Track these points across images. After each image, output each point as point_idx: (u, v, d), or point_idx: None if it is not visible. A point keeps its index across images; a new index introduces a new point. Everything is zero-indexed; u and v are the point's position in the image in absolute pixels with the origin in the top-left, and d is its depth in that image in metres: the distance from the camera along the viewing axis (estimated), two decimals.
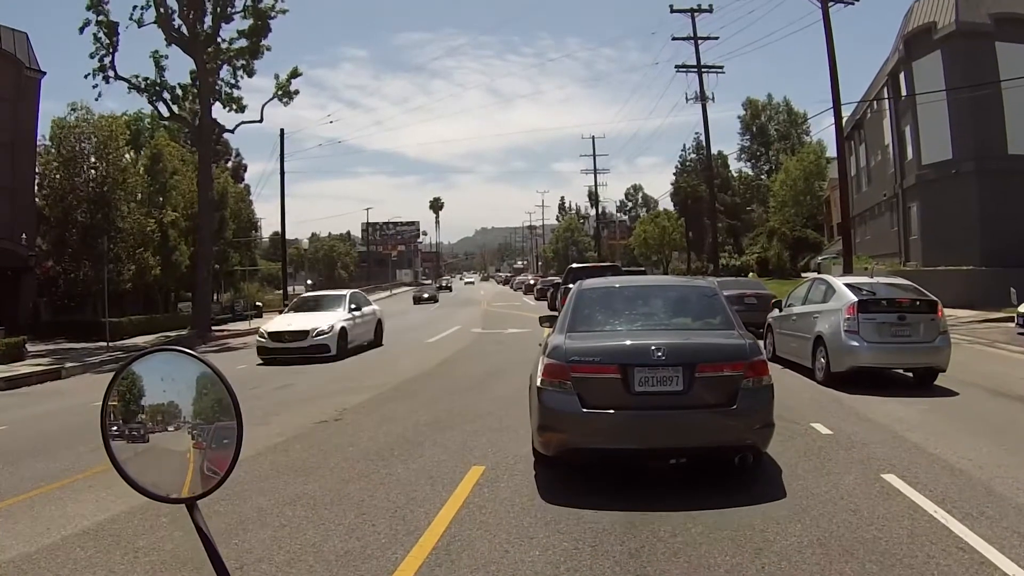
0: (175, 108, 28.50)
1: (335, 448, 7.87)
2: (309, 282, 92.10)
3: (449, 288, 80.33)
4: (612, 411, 5.85)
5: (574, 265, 29.15)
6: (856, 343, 10.80)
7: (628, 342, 6.30)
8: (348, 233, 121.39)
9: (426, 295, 54.60)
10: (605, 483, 6.10)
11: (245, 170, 56.11)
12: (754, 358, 6.05)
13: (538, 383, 6.12)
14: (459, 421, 9.06)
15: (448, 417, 9.35)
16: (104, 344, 22.81)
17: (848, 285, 11.82)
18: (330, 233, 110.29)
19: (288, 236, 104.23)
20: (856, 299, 11.10)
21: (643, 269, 42.67)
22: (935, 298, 11.39)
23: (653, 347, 5.94)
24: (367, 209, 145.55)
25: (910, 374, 11.40)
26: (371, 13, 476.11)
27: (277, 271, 52.46)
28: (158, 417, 1.67)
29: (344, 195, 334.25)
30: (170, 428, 1.67)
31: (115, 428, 1.67)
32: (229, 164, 56.73)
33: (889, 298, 11.37)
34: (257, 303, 38.51)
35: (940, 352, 10.85)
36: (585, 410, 5.82)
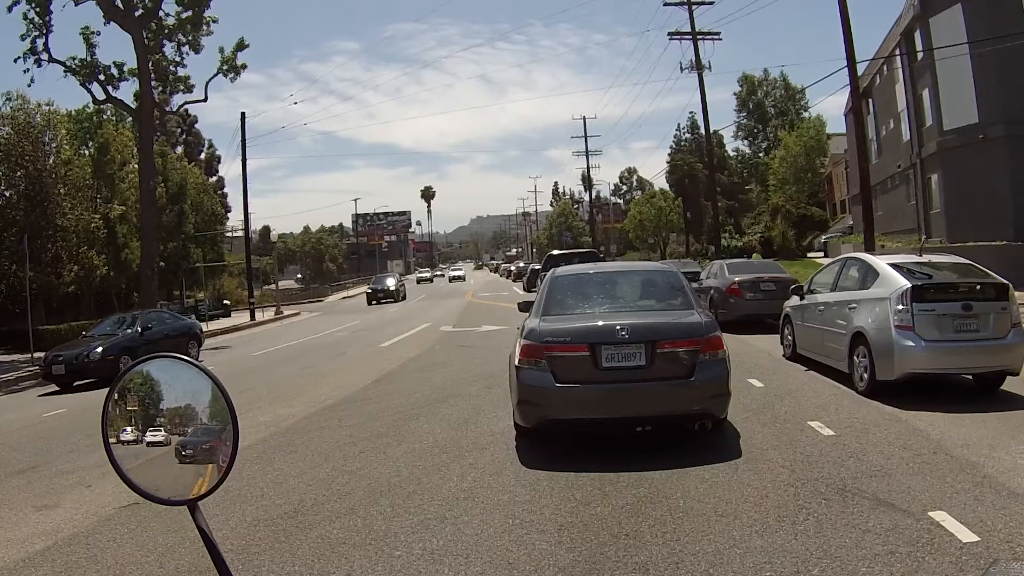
0: (109, 89, 25.80)
1: None
2: (299, 276, 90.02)
3: (430, 281, 76.57)
4: (583, 385, 6.40)
5: (553, 252, 28.40)
6: (911, 342, 8.26)
7: (595, 323, 6.82)
8: (340, 225, 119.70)
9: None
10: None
11: (219, 162, 53.29)
12: (709, 335, 6.53)
13: (516, 362, 6.65)
14: (314, 522, 5.27)
15: (297, 515, 5.49)
16: (29, 356, 20.39)
17: (894, 266, 9.22)
18: (322, 226, 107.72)
19: (283, 230, 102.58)
20: (909, 284, 8.52)
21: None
22: (1003, 280, 8.80)
23: (618, 327, 6.49)
24: (355, 200, 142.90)
25: (969, 376, 8.91)
26: (360, 5, 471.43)
27: (259, 266, 50.17)
28: (161, 421, 1.69)
29: (340, 188, 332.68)
30: (171, 432, 1.69)
31: (116, 433, 1.68)
32: (202, 156, 54.10)
33: (948, 282, 8.79)
34: (225, 301, 35.88)
35: (1014, 350, 8.32)
36: (559, 385, 6.37)
